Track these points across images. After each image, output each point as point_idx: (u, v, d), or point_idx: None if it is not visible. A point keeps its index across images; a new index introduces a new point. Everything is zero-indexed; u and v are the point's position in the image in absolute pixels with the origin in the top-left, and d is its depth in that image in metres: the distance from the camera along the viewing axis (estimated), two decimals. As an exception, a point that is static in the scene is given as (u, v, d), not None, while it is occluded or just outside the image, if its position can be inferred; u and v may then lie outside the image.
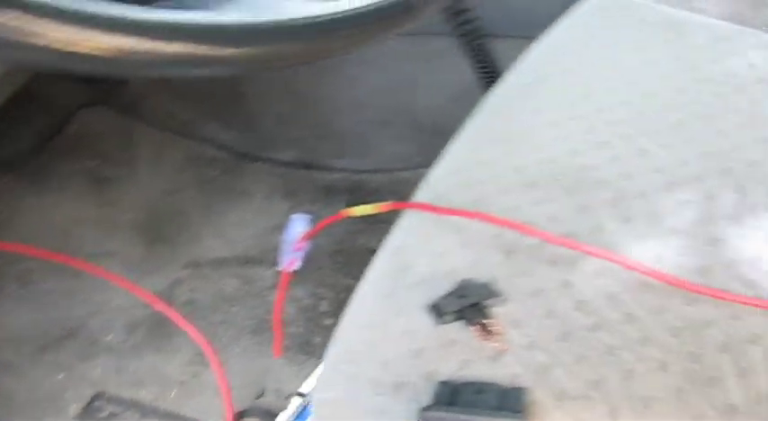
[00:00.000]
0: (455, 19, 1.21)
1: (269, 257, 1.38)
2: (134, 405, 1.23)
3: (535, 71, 0.90)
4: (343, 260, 1.36)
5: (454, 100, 1.39)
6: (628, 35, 0.92)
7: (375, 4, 0.49)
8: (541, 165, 0.75)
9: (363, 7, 0.48)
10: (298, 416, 1.06)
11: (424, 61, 1.38)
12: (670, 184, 0.73)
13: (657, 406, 0.58)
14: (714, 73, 0.85)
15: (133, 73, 0.70)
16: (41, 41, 0.38)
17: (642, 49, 0.89)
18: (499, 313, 0.63)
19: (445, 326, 0.63)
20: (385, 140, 1.46)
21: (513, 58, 0.94)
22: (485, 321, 0.62)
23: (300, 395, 1.08)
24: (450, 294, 0.63)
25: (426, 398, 0.58)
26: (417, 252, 0.71)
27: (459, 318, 0.62)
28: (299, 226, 1.37)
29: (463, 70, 1.33)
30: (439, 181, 0.78)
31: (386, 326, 0.65)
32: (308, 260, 1.36)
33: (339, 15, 0.48)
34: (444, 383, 0.59)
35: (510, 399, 0.57)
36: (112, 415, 1.21)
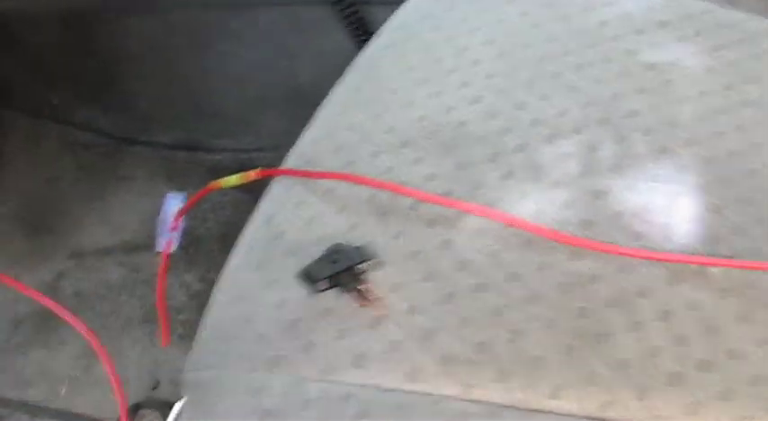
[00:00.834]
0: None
1: (155, 243, 1.33)
2: (22, 406, 1.17)
3: (404, 30, 0.87)
4: (231, 242, 1.31)
5: (335, 70, 1.36)
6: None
7: None
8: (415, 124, 0.72)
9: None
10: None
11: (298, 32, 1.34)
12: (550, 137, 0.71)
13: (548, 365, 0.56)
14: (588, 22, 0.83)
15: None
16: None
17: (513, 1, 0.87)
18: (377, 278, 0.60)
19: (320, 294, 0.60)
20: (268, 117, 1.42)
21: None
22: (361, 287, 0.59)
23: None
24: (321, 259, 0.60)
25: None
26: (288, 219, 0.67)
27: (334, 286, 0.59)
28: (174, 205, 1.32)
29: (341, 39, 1.30)
30: (308, 146, 0.75)
31: (258, 298, 0.62)
32: (197, 243, 1.31)
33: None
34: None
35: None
36: (-2, 417, 1.15)
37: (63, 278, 1.29)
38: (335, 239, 0.63)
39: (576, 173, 0.68)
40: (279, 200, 0.71)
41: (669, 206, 0.65)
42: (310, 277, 0.59)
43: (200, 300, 1.24)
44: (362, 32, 1.24)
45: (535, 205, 0.65)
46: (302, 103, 1.41)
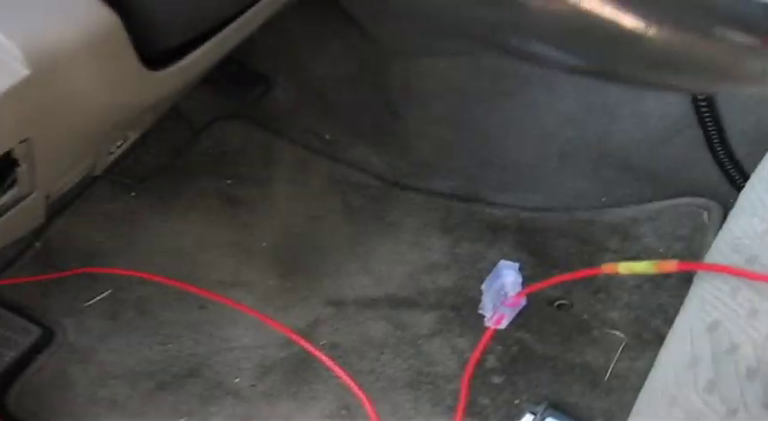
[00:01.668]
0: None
1: (425, 300, 1.18)
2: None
3: None
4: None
5: (656, 135, 1.19)
6: None
7: None
8: None
9: None
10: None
11: (618, 89, 1.18)
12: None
13: None
14: None
15: None
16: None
17: None
18: None
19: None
20: (565, 175, 1.26)
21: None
22: None
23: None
24: None
25: None
26: (742, 330, 0.50)
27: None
28: (508, 275, 1.15)
29: (671, 102, 1.15)
30: (748, 237, 0.57)
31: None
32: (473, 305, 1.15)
33: None
34: None
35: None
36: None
37: (318, 326, 1.15)
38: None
39: None
40: (721, 302, 0.53)
41: None
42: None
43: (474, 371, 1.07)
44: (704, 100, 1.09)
45: None
46: (604, 166, 1.26)
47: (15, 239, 0.96)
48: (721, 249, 0.58)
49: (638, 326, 1.09)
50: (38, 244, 1.23)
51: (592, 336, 1.09)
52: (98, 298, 1.16)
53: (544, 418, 1.00)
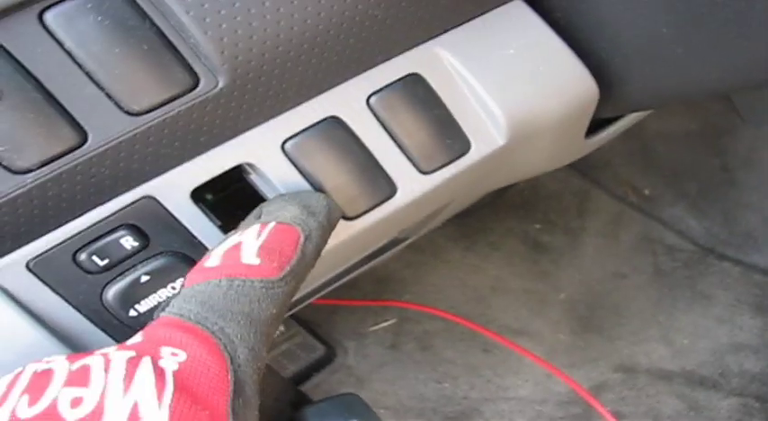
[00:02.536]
0: None
1: (727, 383, 1.06)
2: None
3: None
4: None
5: None
6: None
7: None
8: None
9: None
10: None
11: None
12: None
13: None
14: None
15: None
16: None
17: None
18: None
19: None
20: None
21: None
22: None
23: None
24: None
25: None
26: None
27: None
28: None
29: None
30: None
31: None
32: None
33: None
34: None
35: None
36: None
37: (604, 391, 1.08)
38: None
39: None
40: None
41: None
42: None
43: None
44: None
45: None
46: None
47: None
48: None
49: None
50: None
51: None
52: (383, 324, 1.17)
53: None
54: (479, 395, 1.09)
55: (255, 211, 0.43)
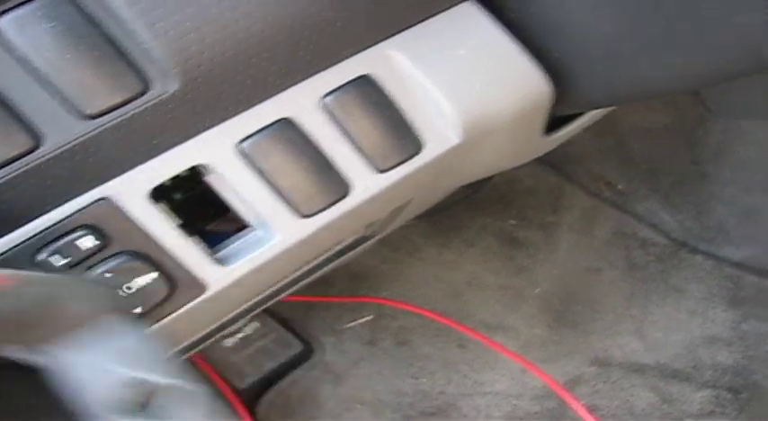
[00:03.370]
0: None
1: (700, 376, 1.08)
2: None
3: None
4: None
5: None
6: None
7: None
8: None
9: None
10: None
11: None
12: None
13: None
14: None
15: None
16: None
17: None
18: None
19: None
20: None
21: None
22: None
23: None
24: None
25: None
26: None
27: None
28: None
29: None
30: None
31: None
32: (755, 390, 1.03)
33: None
34: None
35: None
36: None
37: (579, 385, 1.09)
38: None
39: None
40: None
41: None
42: None
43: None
44: None
45: None
46: None
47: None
48: None
49: None
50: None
51: None
52: (360, 321, 1.18)
53: None
54: (456, 390, 1.10)
55: None
